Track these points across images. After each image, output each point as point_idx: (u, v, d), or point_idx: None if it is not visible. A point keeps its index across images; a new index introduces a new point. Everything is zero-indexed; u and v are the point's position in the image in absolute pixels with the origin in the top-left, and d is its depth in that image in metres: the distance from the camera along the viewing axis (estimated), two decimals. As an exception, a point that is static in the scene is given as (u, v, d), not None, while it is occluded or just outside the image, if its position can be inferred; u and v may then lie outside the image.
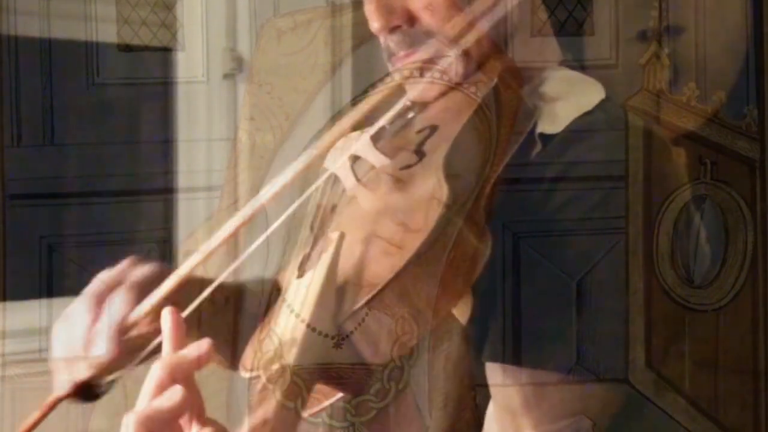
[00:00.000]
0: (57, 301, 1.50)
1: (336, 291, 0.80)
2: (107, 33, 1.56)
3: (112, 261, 0.98)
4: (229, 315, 1.05)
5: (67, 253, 1.52)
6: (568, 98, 0.98)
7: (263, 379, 0.77)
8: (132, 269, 0.97)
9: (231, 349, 0.98)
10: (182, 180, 1.53)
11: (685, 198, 1.02)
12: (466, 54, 0.95)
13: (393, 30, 0.97)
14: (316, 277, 0.79)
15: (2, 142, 1.50)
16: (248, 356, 0.83)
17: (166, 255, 1.47)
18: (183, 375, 0.77)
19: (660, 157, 1.02)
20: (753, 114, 1.07)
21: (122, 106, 1.58)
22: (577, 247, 0.95)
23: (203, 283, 0.90)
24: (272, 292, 1.00)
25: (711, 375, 1.04)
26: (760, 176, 1.06)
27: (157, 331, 0.88)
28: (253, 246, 0.90)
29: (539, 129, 0.97)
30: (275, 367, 0.78)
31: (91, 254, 1.50)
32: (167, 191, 1.51)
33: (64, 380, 0.93)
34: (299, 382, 0.77)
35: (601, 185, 0.97)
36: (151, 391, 0.76)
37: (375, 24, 0.97)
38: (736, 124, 1.07)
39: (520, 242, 0.96)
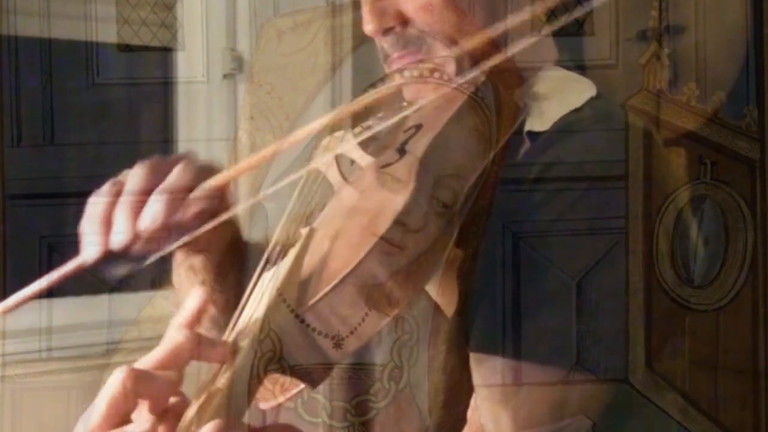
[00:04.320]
0: (57, 301, 1.50)
1: (300, 283, 0.79)
2: (107, 33, 1.57)
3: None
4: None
5: (67, 253, 1.52)
6: (556, 96, 0.99)
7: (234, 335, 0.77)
8: (186, 157, 0.94)
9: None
10: (182, 180, 1.53)
11: (685, 198, 1.02)
12: (463, 54, 0.95)
13: (386, 32, 0.97)
14: (280, 269, 0.79)
15: (2, 142, 1.50)
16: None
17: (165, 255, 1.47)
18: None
19: (660, 157, 1.02)
20: (753, 114, 1.07)
21: (122, 106, 1.59)
22: (577, 247, 0.95)
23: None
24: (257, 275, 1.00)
25: (711, 375, 1.04)
26: (760, 176, 1.06)
27: (204, 218, 0.88)
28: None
29: (527, 127, 0.97)
30: (249, 328, 0.77)
31: (91, 254, 1.50)
32: (167, 191, 1.50)
33: (93, 246, 0.91)
34: (266, 341, 0.76)
35: (601, 185, 0.97)
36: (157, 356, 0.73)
37: (368, 26, 0.97)
38: (736, 124, 1.07)
39: (520, 242, 0.96)
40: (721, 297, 1.03)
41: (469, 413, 0.95)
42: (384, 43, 0.98)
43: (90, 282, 0.99)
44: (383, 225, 0.80)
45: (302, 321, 0.76)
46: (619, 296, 0.96)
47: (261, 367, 0.74)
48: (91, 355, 1.43)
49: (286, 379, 0.78)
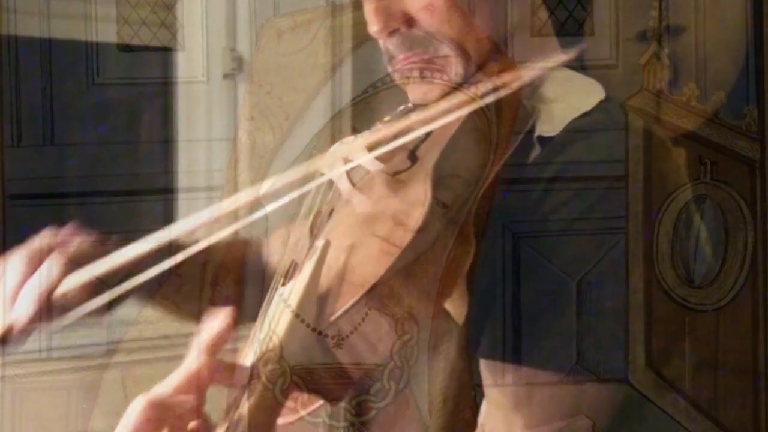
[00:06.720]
0: (57, 301, 1.49)
1: (318, 298, 0.80)
2: (107, 33, 1.56)
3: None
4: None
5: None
6: (565, 99, 0.98)
7: (253, 359, 0.77)
8: (74, 237, 0.99)
9: None
10: (182, 180, 1.53)
11: (685, 198, 1.02)
12: (465, 54, 0.95)
13: (392, 33, 0.96)
14: (297, 285, 0.80)
15: (2, 142, 1.50)
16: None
17: (165, 255, 1.47)
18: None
19: (660, 157, 1.02)
20: (753, 114, 1.07)
21: (122, 106, 1.59)
22: (577, 247, 0.95)
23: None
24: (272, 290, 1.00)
25: (711, 375, 1.04)
26: (760, 176, 1.06)
27: (78, 302, 0.91)
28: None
29: (537, 132, 0.97)
30: (267, 355, 0.78)
31: (91, 254, 1.50)
32: (167, 191, 1.51)
33: None
34: (285, 366, 0.77)
35: (601, 185, 0.97)
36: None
37: (374, 27, 0.97)
38: (736, 124, 1.07)
39: (520, 242, 0.96)
40: (721, 297, 1.03)
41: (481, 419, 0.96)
42: (389, 45, 0.97)
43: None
44: (403, 239, 0.81)
45: (323, 336, 0.78)
46: (619, 296, 0.96)
47: (280, 392, 0.75)
48: (91, 355, 1.43)
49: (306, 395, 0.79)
